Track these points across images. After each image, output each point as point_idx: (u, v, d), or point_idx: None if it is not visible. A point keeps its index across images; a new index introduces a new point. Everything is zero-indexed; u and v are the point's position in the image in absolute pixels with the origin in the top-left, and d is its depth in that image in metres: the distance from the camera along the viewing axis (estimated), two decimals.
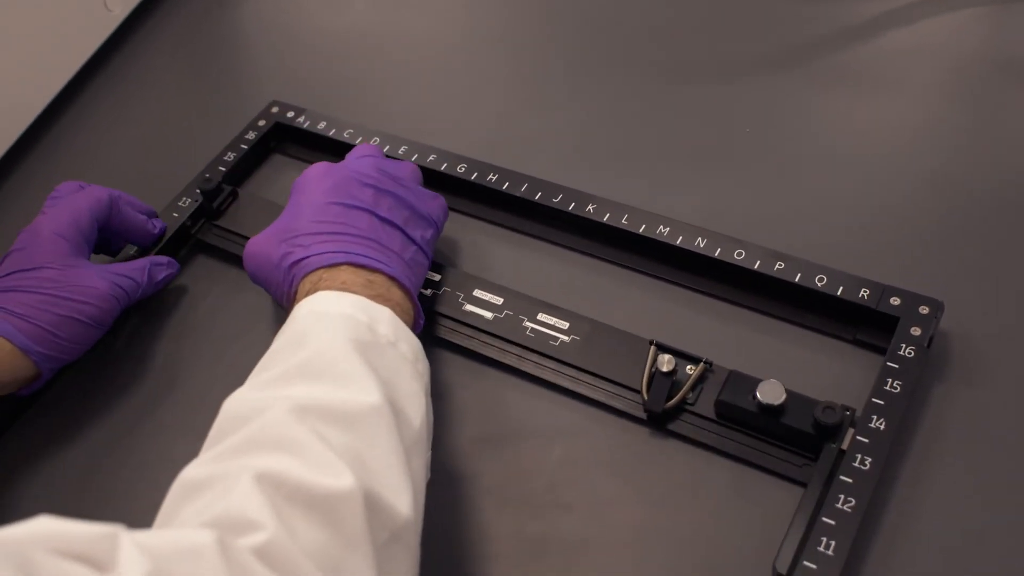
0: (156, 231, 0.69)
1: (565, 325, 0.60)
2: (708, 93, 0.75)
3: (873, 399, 0.51)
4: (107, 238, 0.68)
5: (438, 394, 0.59)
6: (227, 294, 0.68)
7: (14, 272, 0.60)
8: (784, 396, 0.51)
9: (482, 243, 0.67)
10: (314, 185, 0.59)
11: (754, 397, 0.52)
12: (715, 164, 0.69)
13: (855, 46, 0.76)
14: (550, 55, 0.82)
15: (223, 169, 0.73)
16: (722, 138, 0.71)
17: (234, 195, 0.72)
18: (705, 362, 0.55)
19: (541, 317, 0.60)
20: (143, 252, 0.69)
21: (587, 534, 0.52)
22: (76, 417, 0.63)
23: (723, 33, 0.80)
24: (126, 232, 0.68)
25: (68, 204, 0.64)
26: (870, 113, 0.71)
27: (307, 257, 0.54)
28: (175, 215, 0.71)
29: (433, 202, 0.62)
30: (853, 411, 0.51)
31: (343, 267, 0.53)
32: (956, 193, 0.64)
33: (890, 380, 0.52)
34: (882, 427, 0.50)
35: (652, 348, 0.56)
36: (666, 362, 0.55)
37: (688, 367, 0.56)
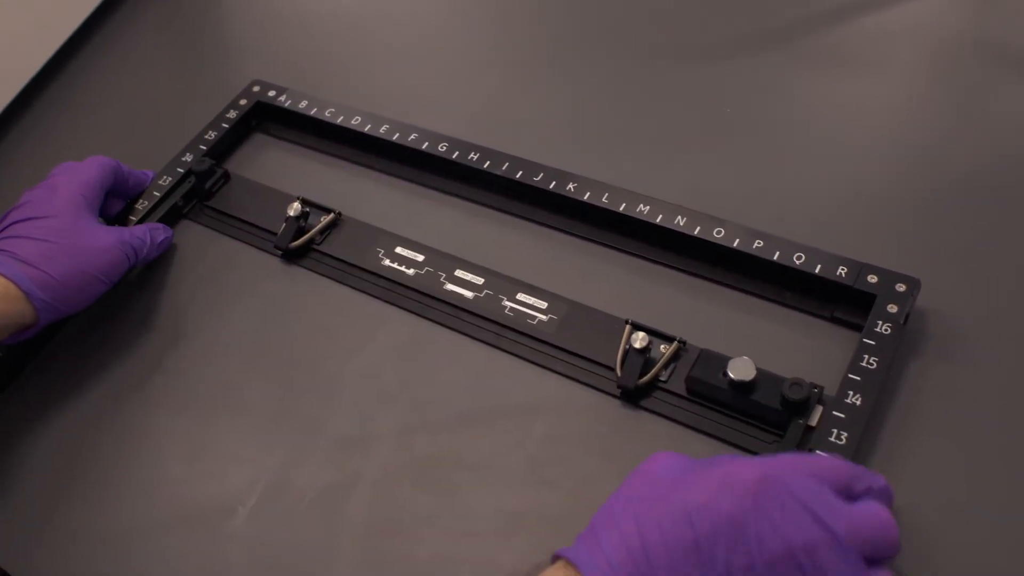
0: (148, 179, 0.72)
1: (543, 305, 0.60)
2: (692, 74, 0.75)
3: (849, 375, 0.52)
4: (110, 201, 0.70)
5: (421, 373, 0.60)
6: (214, 271, 0.69)
7: (24, 220, 0.61)
8: (755, 373, 0.52)
9: (464, 223, 0.67)
10: (705, 517, 0.40)
11: (725, 374, 0.52)
12: (697, 144, 0.69)
13: (838, 27, 0.76)
14: (534, 35, 0.82)
15: (204, 148, 0.73)
16: (705, 118, 0.71)
17: (226, 177, 0.73)
18: (679, 341, 0.56)
19: (520, 297, 0.61)
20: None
21: (566, 510, 0.52)
22: (64, 387, 0.64)
23: (706, 14, 0.79)
24: (128, 191, 0.70)
25: (77, 168, 0.66)
26: (851, 94, 0.71)
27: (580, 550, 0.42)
28: (156, 193, 0.71)
29: None
30: (821, 388, 0.52)
31: None
32: (934, 173, 0.64)
33: (866, 356, 0.52)
34: (858, 403, 0.50)
35: (627, 326, 0.57)
36: (639, 339, 0.55)
37: (662, 346, 0.56)
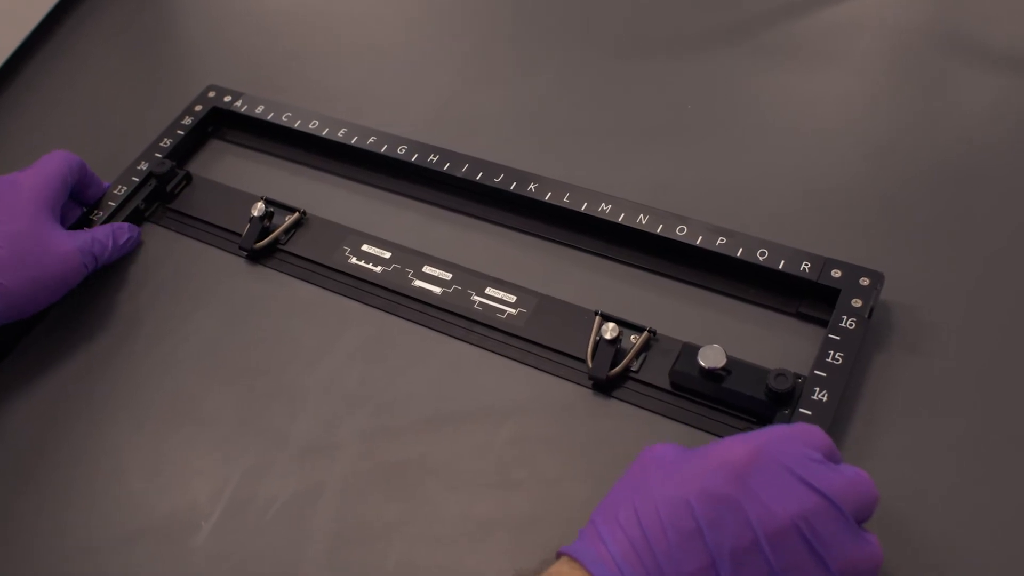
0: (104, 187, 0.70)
1: (512, 299, 0.60)
2: (652, 70, 0.74)
3: (816, 371, 0.52)
4: (69, 210, 0.68)
5: (389, 372, 0.59)
6: (177, 274, 0.68)
7: None
8: (724, 360, 0.52)
9: (427, 225, 0.67)
10: (697, 476, 0.41)
11: (702, 365, 0.52)
12: (659, 141, 0.69)
13: (798, 21, 0.76)
14: (491, 34, 0.81)
15: (159, 156, 0.72)
16: (666, 115, 0.71)
17: (188, 178, 0.72)
18: (649, 331, 0.56)
19: (489, 291, 0.61)
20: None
21: (535, 512, 0.52)
22: (19, 398, 0.62)
23: (665, 9, 0.79)
24: (89, 195, 0.69)
25: (42, 165, 0.64)
26: (813, 88, 0.71)
27: (583, 545, 0.42)
28: (111, 204, 0.69)
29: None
30: (804, 378, 0.52)
31: None
32: (896, 166, 0.64)
33: (832, 352, 0.52)
34: (824, 399, 0.50)
35: (597, 318, 0.57)
36: (610, 330, 0.55)
37: (632, 336, 0.56)
